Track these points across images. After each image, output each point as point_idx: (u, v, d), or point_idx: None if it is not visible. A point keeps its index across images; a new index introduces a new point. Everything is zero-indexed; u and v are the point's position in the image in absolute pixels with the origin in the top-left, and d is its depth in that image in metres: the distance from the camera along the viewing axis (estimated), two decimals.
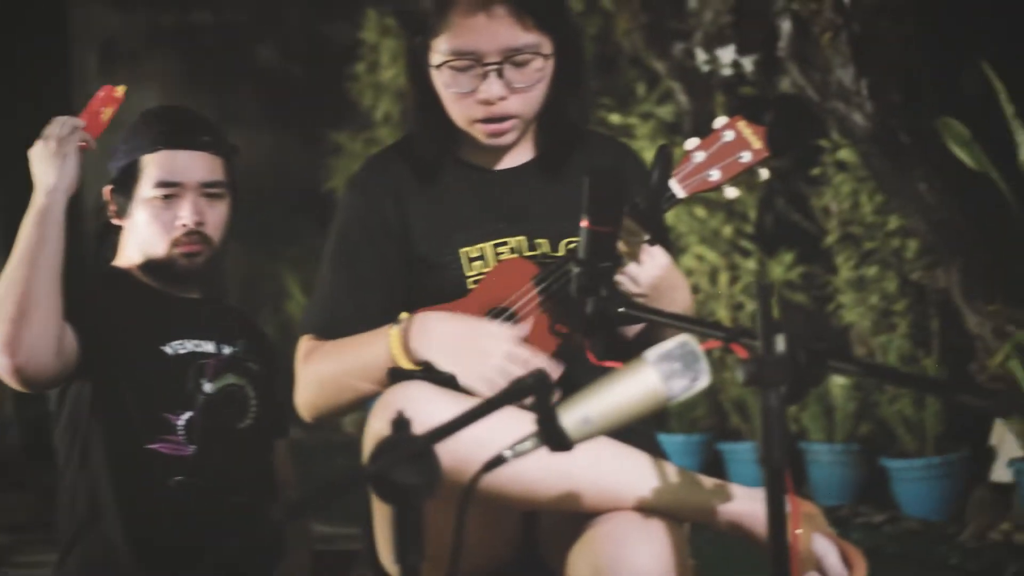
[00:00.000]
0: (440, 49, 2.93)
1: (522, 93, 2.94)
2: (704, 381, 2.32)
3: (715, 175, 2.95)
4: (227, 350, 3.69)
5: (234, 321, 3.81)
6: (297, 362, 3.03)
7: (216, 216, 3.66)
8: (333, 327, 2.99)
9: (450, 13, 2.92)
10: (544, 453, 2.31)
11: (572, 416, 2.27)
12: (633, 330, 3.08)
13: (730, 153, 2.96)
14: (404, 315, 2.89)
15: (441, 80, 2.96)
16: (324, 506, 2.21)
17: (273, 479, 3.79)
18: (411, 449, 2.16)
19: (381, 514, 2.83)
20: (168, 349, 3.62)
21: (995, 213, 5.60)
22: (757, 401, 6.33)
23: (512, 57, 2.91)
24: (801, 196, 6.57)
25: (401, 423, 2.20)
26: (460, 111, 2.97)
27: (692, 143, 2.97)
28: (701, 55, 6.82)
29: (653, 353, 2.31)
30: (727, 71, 6.74)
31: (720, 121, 2.99)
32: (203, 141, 3.65)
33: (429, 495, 2.16)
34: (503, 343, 2.81)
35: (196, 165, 3.63)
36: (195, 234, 3.62)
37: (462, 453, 2.47)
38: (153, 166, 3.62)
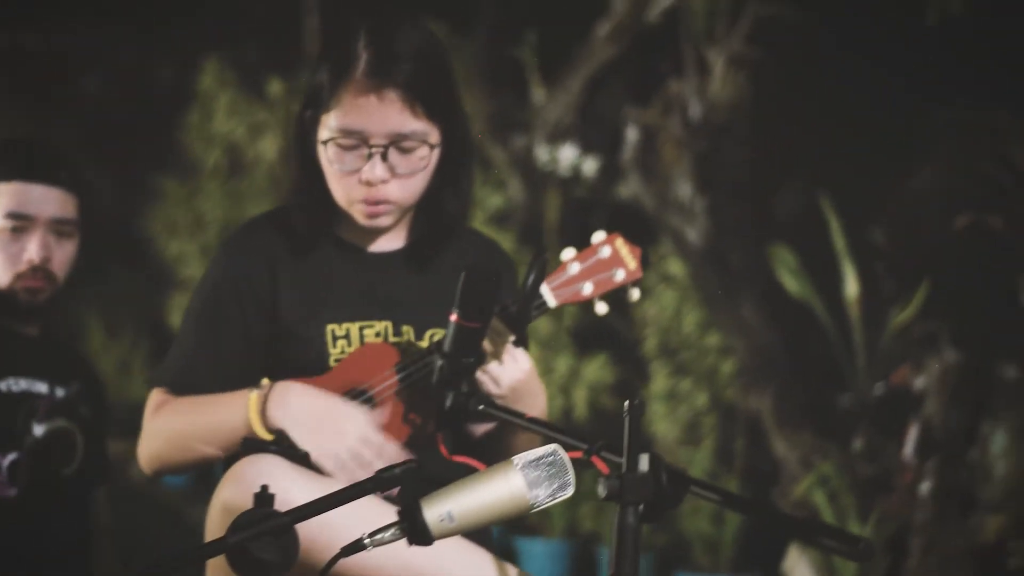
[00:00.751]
0: (329, 125, 2.91)
1: (404, 179, 2.92)
2: (568, 492, 2.31)
3: (587, 289, 2.97)
4: (60, 392, 3.59)
5: (70, 362, 3.72)
6: (146, 413, 2.96)
7: (63, 254, 3.57)
8: (188, 385, 2.93)
9: (343, 91, 2.89)
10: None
11: (435, 512, 2.24)
12: (482, 428, 3.07)
13: (604, 269, 2.98)
14: (265, 381, 2.85)
15: (326, 156, 2.93)
16: (178, 571, 2.16)
17: (90, 527, 3.69)
18: (274, 525, 2.13)
19: None
20: (2, 386, 3.51)
21: (813, 342, 5.73)
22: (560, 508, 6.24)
23: (398, 142, 2.89)
24: (622, 301, 6.61)
25: (265, 498, 2.17)
26: (342, 189, 2.94)
27: (568, 254, 2.99)
28: (542, 151, 6.88)
29: (521, 459, 2.30)
30: (565, 171, 6.80)
31: (598, 236, 3.01)
32: (60, 177, 3.56)
33: (284, 572, 2.14)
34: (360, 427, 2.80)
35: (50, 200, 3.53)
36: (40, 271, 3.52)
37: (312, 535, 2.44)
38: (5, 196, 3.52)
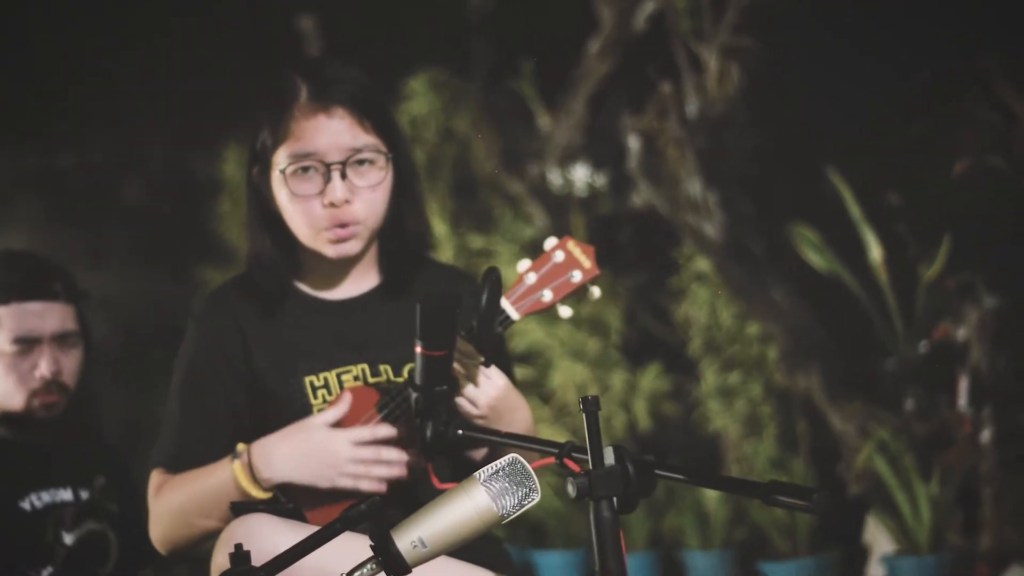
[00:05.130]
0: (283, 157, 2.97)
1: (365, 195, 2.98)
2: (534, 497, 2.36)
3: (547, 296, 3.01)
4: (85, 494, 3.66)
5: (93, 457, 3.78)
6: (149, 497, 3.04)
7: (71, 363, 3.65)
8: (182, 461, 3.01)
9: (290, 121, 2.96)
10: None
11: (406, 539, 2.29)
12: (481, 452, 3.12)
13: (561, 273, 3.02)
14: (241, 447, 2.91)
15: (285, 191, 2.98)
16: None
17: None
18: None
19: None
20: (25, 505, 3.57)
21: (849, 313, 5.73)
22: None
23: (354, 157, 2.96)
24: (662, 307, 6.65)
25: (240, 556, 2.23)
26: (305, 221, 2.99)
27: (523, 265, 3.04)
28: (555, 175, 6.93)
29: (483, 472, 2.35)
30: (581, 191, 6.85)
31: (550, 242, 3.06)
32: (54, 291, 3.63)
33: None
34: (342, 440, 2.86)
35: (50, 316, 3.60)
36: (53, 384, 3.60)
37: None
38: (7, 319, 3.58)
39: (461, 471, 3.04)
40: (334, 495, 2.90)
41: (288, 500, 2.88)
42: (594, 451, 2.36)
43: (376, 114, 3.01)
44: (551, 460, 2.50)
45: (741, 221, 5.90)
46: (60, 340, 3.63)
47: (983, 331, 5.36)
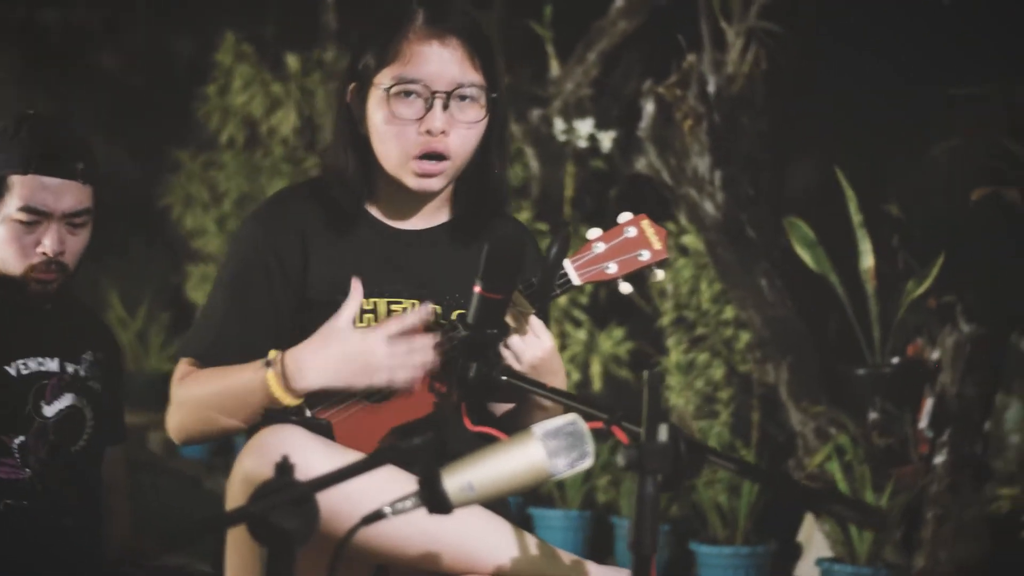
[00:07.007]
0: (387, 78, 2.93)
1: (462, 130, 2.94)
2: (588, 461, 2.34)
3: (612, 268, 2.99)
4: (71, 368, 3.60)
5: (85, 330, 3.71)
6: (172, 383, 2.99)
7: (77, 244, 3.54)
8: (215, 356, 2.96)
9: (401, 43, 2.93)
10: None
11: (456, 481, 2.27)
12: (502, 407, 3.11)
13: (630, 249, 3.00)
14: (273, 354, 2.86)
15: (383, 112, 2.94)
16: (194, 541, 2.19)
17: (102, 491, 3.71)
18: (294, 494, 2.15)
19: (238, 555, 2.79)
20: (11, 369, 3.50)
21: (830, 316, 5.75)
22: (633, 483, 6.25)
23: (458, 90, 2.93)
24: (639, 274, 6.62)
25: (284, 467, 2.19)
26: (397, 144, 2.94)
27: (594, 233, 3.02)
28: (559, 124, 6.89)
29: (541, 428, 2.32)
30: (583, 143, 6.82)
31: (624, 216, 3.04)
32: (75, 169, 3.52)
33: (305, 541, 2.15)
34: (374, 339, 2.82)
35: (66, 194, 3.48)
36: (54, 263, 3.51)
37: (332, 505, 2.47)
38: (21, 188, 3.45)
39: (486, 416, 3.03)
40: (346, 395, 2.86)
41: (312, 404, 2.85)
42: (650, 425, 2.34)
43: (486, 52, 2.98)
44: (599, 425, 2.49)
45: (741, 204, 5.90)
46: (70, 220, 3.52)
47: (957, 356, 5.39)
